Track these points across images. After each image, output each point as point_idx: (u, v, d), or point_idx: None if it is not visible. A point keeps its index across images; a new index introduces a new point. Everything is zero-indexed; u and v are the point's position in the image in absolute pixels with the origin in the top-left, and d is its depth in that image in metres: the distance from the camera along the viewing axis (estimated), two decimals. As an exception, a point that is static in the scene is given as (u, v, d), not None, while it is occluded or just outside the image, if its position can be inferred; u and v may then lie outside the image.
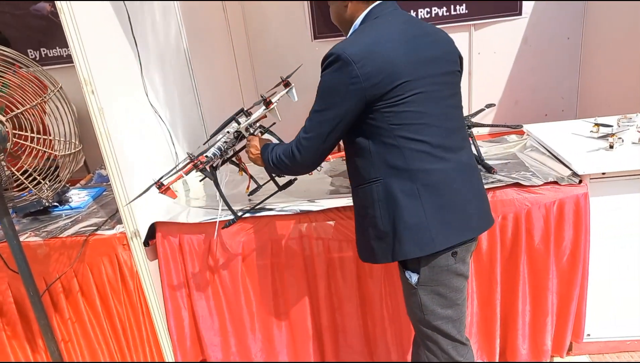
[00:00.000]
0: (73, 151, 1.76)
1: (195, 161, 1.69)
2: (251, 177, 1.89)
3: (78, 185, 2.72)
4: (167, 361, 2.07)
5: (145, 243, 1.95)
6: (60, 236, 1.99)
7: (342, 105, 1.27)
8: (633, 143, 1.93)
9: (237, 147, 1.81)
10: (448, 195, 1.32)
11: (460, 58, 1.45)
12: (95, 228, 2.01)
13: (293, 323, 2.04)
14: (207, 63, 3.21)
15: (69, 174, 1.81)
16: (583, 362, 2.02)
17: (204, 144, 1.95)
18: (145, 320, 2.02)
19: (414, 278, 1.38)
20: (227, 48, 3.88)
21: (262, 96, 1.74)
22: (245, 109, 1.80)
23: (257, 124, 1.79)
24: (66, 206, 2.24)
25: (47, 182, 1.80)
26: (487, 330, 1.99)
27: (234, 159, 1.86)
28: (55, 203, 2.23)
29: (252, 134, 1.76)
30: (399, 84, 1.25)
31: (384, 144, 1.31)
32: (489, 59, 3.92)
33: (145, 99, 2.13)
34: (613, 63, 3.62)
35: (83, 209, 2.24)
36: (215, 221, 1.91)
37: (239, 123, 1.74)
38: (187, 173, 1.70)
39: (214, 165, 1.75)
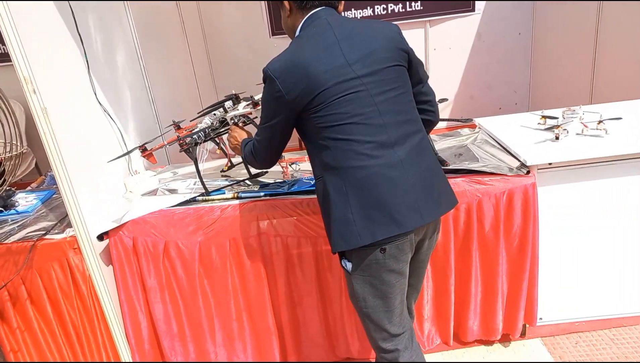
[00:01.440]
0: (15, 153, 1.68)
1: (181, 141, 1.95)
2: (227, 156, 2.10)
3: (29, 188, 2.61)
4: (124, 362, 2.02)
5: (99, 237, 1.90)
6: (6, 242, 1.90)
7: (275, 115, 1.40)
8: (577, 134, 2.02)
9: (221, 129, 2.02)
10: (374, 192, 1.34)
11: (405, 50, 1.45)
12: (43, 232, 1.93)
13: (254, 320, 2.03)
14: (161, 60, 3.14)
15: (12, 177, 1.73)
16: (536, 345, 2.10)
17: (190, 121, 2.08)
18: (100, 325, 1.96)
19: (348, 266, 1.45)
20: (182, 45, 3.81)
21: (251, 97, 1.94)
22: (235, 93, 1.98)
23: (241, 115, 1.97)
24: (12, 211, 2.14)
25: (-11, 186, 1.72)
26: (442, 313, 2.04)
27: (215, 138, 2.06)
28: (0, 208, 2.13)
29: (236, 123, 1.93)
30: (319, 93, 1.32)
31: (318, 145, 1.40)
32: (444, 54, 4.00)
33: (93, 97, 2.06)
34: (562, 58, 3.76)
35: (30, 213, 2.15)
36: (171, 208, 1.96)
37: (225, 111, 1.94)
38: (170, 143, 1.99)
39: (196, 142, 1.97)
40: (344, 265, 1.46)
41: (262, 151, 1.53)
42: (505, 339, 2.10)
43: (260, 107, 1.93)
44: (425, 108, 1.54)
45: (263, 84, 1.40)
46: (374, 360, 2.07)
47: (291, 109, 1.36)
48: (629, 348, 1.97)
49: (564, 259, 2.01)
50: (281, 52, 1.40)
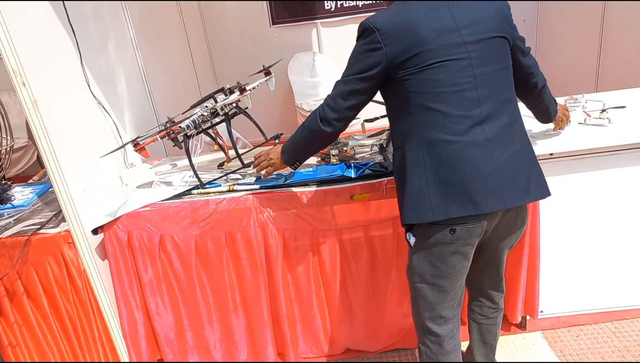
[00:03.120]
0: (5, 147, 1.66)
1: (168, 130, 1.88)
2: (223, 149, 2.11)
3: (30, 181, 2.60)
4: (121, 361, 2.02)
5: (94, 231, 1.88)
6: (1, 236, 1.89)
7: (365, 69, 1.32)
8: (579, 123, 1.97)
9: (214, 121, 2.02)
10: (454, 169, 1.29)
11: (512, 26, 1.38)
12: (38, 226, 1.92)
13: (250, 313, 2.02)
14: (158, 51, 3.11)
15: (3, 171, 1.71)
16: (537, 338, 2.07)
17: (182, 113, 2.04)
18: (96, 319, 1.96)
19: (412, 239, 1.43)
20: (181, 36, 3.77)
21: (238, 83, 1.94)
22: (226, 87, 1.95)
23: (233, 105, 1.96)
24: (8, 205, 2.14)
25: (-19, 180, 1.70)
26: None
27: (210, 132, 2.05)
28: (-4, 202, 2.12)
29: (227, 113, 1.96)
30: (420, 51, 1.26)
31: (403, 112, 1.35)
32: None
33: (86, 89, 2.03)
34: (567, 45, 3.68)
35: (26, 207, 2.14)
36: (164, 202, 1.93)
37: (216, 101, 1.92)
38: (161, 137, 1.90)
39: (188, 134, 1.92)
40: (407, 238, 1.44)
41: (332, 107, 1.42)
42: (506, 331, 2.07)
43: (247, 93, 1.94)
44: (529, 78, 1.50)
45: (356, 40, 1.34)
46: (372, 352, 2.06)
47: (385, 66, 1.29)
48: (631, 342, 1.94)
49: (565, 251, 1.97)
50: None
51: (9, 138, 1.67)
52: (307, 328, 2.03)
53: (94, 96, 2.08)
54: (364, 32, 1.31)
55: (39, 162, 4.10)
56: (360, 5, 4.08)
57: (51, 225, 1.93)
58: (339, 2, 4.08)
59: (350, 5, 4.09)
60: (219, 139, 2.15)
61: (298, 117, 3.97)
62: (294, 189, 1.87)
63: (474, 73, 1.30)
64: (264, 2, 4.08)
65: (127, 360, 2.00)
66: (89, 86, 2.05)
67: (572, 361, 1.89)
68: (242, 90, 1.90)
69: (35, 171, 3.15)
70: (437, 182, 1.30)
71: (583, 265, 2.00)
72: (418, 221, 1.35)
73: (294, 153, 1.62)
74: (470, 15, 1.31)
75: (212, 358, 2.08)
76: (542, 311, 2.06)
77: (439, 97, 1.28)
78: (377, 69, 1.31)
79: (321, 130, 1.46)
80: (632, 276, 2.01)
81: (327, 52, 4.24)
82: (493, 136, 1.31)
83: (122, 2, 2.58)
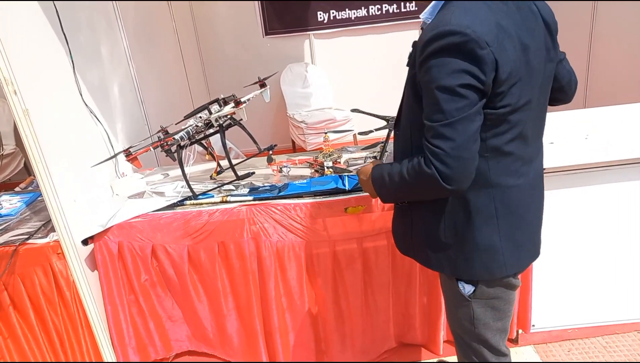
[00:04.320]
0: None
1: (162, 141, 1.88)
2: (215, 159, 2.14)
3: (17, 189, 2.56)
4: (109, 373, 1.98)
5: (84, 242, 1.85)
6: (-13, 246, 1.85)
7: (472, 95, 1.01)
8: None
9: (208, 132, 2.02)
10: (523, 214, 1.20)
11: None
12: (26, 236, 1.89)
13: (243, 320, 2.00)
14: (151, 61, 3.10)
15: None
16: (528, 354, 2.07)
17: (176, 124, 2.05)
18: (84, 332, 1.92)
19: (467, 289, 1.25)
20: (174, 46, 3.77)
21: (233, 96, 1.93)
22: (221, 98, 1.96)
23: (227, 116, 1.97)
24: (-5, 214, 2.10)
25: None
26: (432, 321, 2.01)
27: (203, 143, 2.07)
28: (-17, 211, 2.08)
29: (221, 125, 1.94)
30: (515, 83, 1.04)
31: None
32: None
33: (79, 98, 2.01)
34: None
35: (14, 216, 2.11)
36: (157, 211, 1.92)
37: (210, 112, 1.92)
38: (154, 148, 1.91)
39: (181, 145, 1.92)
40: (460, 287, 1.26)
41: (462, 138, 1.01)
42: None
43: (243, 105, 1.91)
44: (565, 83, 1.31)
45: (438, 51, 1.01)
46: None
47: (487, 92, 1.02)
48: (622, 357, 1.95)
49: (556, 266, 1.98)
50: (456, 10, 1.02)
51: (-2, 146, 1.65)
52: (299, 340, 2.01)
53: (86, 105, 2.06)
54: (463, 46, 0.98)
55: (26, 169, 4.04)
56: (353, 18, 4.11)
57: (40, 235, 1.90)
58: (331, 14, 4.12)
59: (343, 17, 4.13)
60: (211, 150, 2.15)
61: (290, 127, 3.97)
62: (288, 201, 1.87)
63: (540, 108, 1.17)
64: (258, 13, 4.10)
65: (116, 374, 1.97)
66: (81, 95, 2.03)
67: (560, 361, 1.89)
68: (238, 103, 1.89)
69: (22, 179, 3.11)
70: (509, 234, 1.18)
71: (574, 280, 2.01)
72: (491, 278, 1.21)
73: (390, 197, 1.30)
74: (549, 28, 1.14)
75: (212, 348, 2.07)
76: (534, 325, 2.06)
77: (511, 138, 1.10)
78: (480, 95, 1.03)
79: (461, 182, 1.06)
80: (622, 291, 2.03)
81: (319, 63, 4.26)
82: (540, 172, 1.26)
83: (116, 12, 2.57)
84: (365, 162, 2.11)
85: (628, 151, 1.81)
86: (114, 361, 1.97)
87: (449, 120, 1.00)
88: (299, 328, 1.99)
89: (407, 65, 1.13)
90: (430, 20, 1.09)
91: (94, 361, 1.96)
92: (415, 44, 1.09)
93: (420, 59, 1.03)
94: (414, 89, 1.10)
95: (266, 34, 4.18)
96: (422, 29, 1.15)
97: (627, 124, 1.98)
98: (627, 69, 3.25)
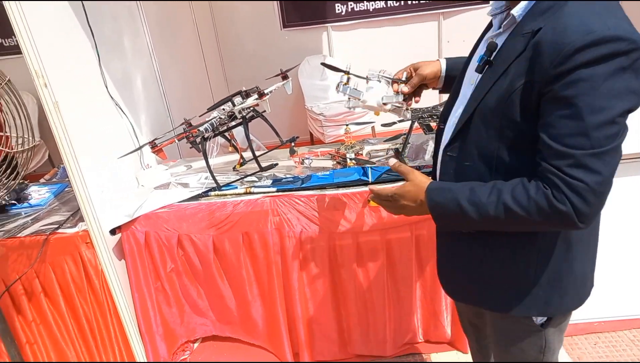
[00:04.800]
0: (28, 147, 1.67)
1: (187, 133, 1.90)
2: (238, 151, 2.13)
3: (42, 180, 2.62)
4: (137, 360, 2.02)
5: (112, 232, 1.90)
6: (19, 235, 1.90)
7: (628, 110, 0.86)
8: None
9: (230, 124, 2.02)
10: (596, 229, 1.10)
11: None
12: (56, 226, 1.93)
13: (267, 309, 2.04)
14: (172, 55, 3.13)
15: (24, 171, 1.73)
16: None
17: (200, 116, 2.05)
18: (112, 319, 1.96)
19: (540, 319, 1.11)
20: (193, 39, 3.80)
21: (257, 88, 1.92)
22: (243, 90, 1.96)
23: (251, 108, 1.96)
24: (25, 204, 2.15)
25: (3, 180, 1.71)
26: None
27: (226, 135, 2.07)
28: (14, 201, 2.13)
29: (244, 117, 1.93)
30: None
31: None
32: (458, 47, 3.93)
33: (104, 91, 2.05)
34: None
35: (44, 206, 2.16)
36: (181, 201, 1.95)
37: (234, 104, 1.92)
38: (179, 139, 1.93)
39: (205, 137, 1.93)
40: (533, 320, 1.11)
41: (609, 172, 0.87)
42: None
43: (267, 97, 1.91)
44: None
45: (598, 59, 0.81)
46: (386, 356, 2.06)
47: None
48: (649, 349, 1.93)
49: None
50: (595, 9, 0.85)
51: (30, 137, 1.69)
52: (322, 330, 2.03)
53: (112, 98, 2.10)
54: (628, 52, 0.81)
55: (50, 161, 4.12)
56: (371, 10, 4.09)
57: (69, 225, 1.94)
58: (349, 6, 4.10)
59: (361, 9, 4.10)
60: (234, 141, 2.17)
61: (308, 119, 3.98)
62: (311, 192, 1.88)
63: None
64: (275, 5, 4.10)
65: (144, 360, 2.01)
66: (106, 87, 2.07)
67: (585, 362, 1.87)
68: (261, 94, 1.90)
69: (45, 170, 3.17)
70: (593, 258, 1.10)
71: (601, 272, 1.98)
72: (581, 304, 1.11)
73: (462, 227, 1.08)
74: None
75: (236, 333, 2.12)
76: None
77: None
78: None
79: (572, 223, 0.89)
80: (648, 282, 2.00)
81: (337, 56, 4.25)
82: None
83: (139, 6, 2.60)
84: (387, 154, 2.10)
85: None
86: (141, 348, 2.01)
87: (597, 150, 0.83)
88: (322, 319, 2.01)
89: (500, 67, 0.94)
90: (521, 17, 0.94)
91: (123, 361, 2.01)
92: (537, 48, 0.87)
93: (562, 69, 0.83)
94: (526, 101, 0.90)
95: (284, 27, 4.18)
96: (492, 24, 1.03)
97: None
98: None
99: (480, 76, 1.01)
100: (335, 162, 2.12)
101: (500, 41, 0.98)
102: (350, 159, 2.05)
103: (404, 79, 1.43)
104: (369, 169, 1.93)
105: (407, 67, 1.45)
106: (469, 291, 1.16)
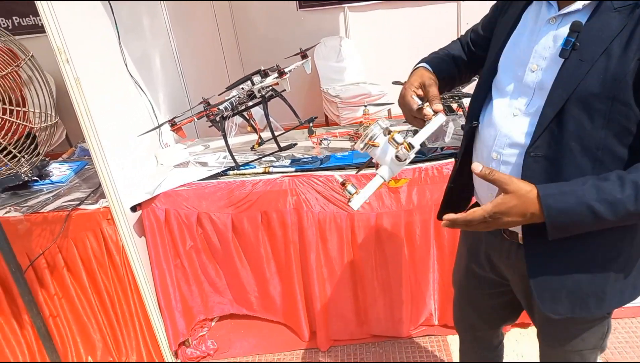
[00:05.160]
0: (50, 123, 1.69)
1: (208, 112, 1.89)
2: (256, 131, 2.11)
3: (60, 159, 2.65)
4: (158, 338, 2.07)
5: (133, 209, 1.92)
6: (42, 211, 1.93)
7: None
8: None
9: (249, 104, 2.02)
10: None
11: None
12: (77, 202, 1.96)
13: (285, 287, 2.06)
14: (189, 35, 3.12)
15: (46, 147, 1.75)
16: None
17: (219, 95, 2.06)
18: (133, 294, 2.00)
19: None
20: (210, 20, 3.78)
21: (277, 66, 1.91)
22: (262, 69, 1.94)
23: (270, 87, 1.96)
24: (47, 181, 2.18)
25: (25, 156, 1.74)
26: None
27: (244, 114, 2.06)
28: (36, 178, 2.16)
29: (264, 96, 1.93)
30: None
31: None
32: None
33: (124, 69, 2.06)
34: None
35: (64, 183, 2.18)
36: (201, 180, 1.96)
37: (253, 83, 1.91)
38: (199, 118, 1.92)
39: (224, 116, 1.93)
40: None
41: None
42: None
43: (286, 76, 1.90)
44: None
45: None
46: (402, 337, 2.07)
47: None
48: (667, 334, 1.92)
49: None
50: None
51: (52, 113, 1.70)
52: (338, 309, 2.05)
53: (131, 76, 2.10)
54: None
55: (67, 140, 4.16)
56: (389, -8, 4.02)
57: (90, 201, 1.97)
58: (366, -13, 4.03)
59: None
60: (252, 121, 2.17)
61: (323, 101, 3.96)
62: (330, 172, 1.88)
63: None
64: (292, -15, 4.05)
65: (164, 334, 2.05)
66: (126, 65, 2.07)
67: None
68: (281, 73, 1.90)
69: (63, 150, 3.21)
70: None
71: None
72: None
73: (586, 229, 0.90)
74: None
75: (253, 311, 2.16)
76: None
77: None
78: None
79: None
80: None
81: (354, 37, 4.20)
82: None
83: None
84: (407, 136, 2.08)
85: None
86: (161, 323, 2.05)
87: None
88: (339, 298, 2.03)
89: (595, 48, 0.85)
90: None
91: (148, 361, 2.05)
92: None
93: None
94: (628, 68, 0.83)
95: (300, 7, 4.13)
96: None
97: None
98: None
99: (562, 61, 0.89)
100: (353, 143, 2.12)
101: (582, 19, 0.87)
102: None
103: (420, 104, 1.09)
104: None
105: (410, 96, 1.12)
106: (565, 299, 1.01)
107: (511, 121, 0.98)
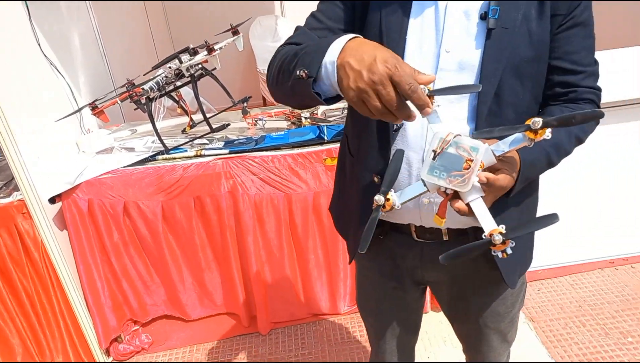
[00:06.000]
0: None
1: (131, 92, 1.76)
2: (187, 113, 1.99)
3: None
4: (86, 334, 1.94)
5: (52, 200, 1.78)
6: (-55, 207, 1.74)
7: None
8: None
9: (178, 83, 1.88)
10: None
11: None
12: (-13, 196, 1.78)
13: (222, 277, 2.00)
14: (113, 12, 2.91)
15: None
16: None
17: (144, 75, 1.92)
18: (56, 292, 1.86)
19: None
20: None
21: (206, 42, 1.80)
22: (191, 47, 1.82)
23: (199, 66, 1.85)
24: (-49, 174, 1.97)
25: None
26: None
27: (173, 95, 1.93)
28: (-63, 171, 1.95)
29: (192, 75, 1.80)
30: None
31: None
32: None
33: (37, 49, 1.88)
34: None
35: (-28, 176, 1.98)
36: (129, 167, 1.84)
37: (181, 62, 1.80)
38: (122, 100, 1.78)
39: (150, 97, 1.80)
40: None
41: None
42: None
43: (216, 52, 1.82)
44: None
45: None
46: (342, 314, 2.08)
47: None
48: (587, 292, 2.06)
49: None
50: None
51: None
52: (278, 292, 2.02)
53: (46, 57, 1.93)
54: None
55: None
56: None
57: (2, 195, 1.80)
58: (300, -35, 3.95)
59: (312, -32, 3.95)
60: (182, 103, 2.06)
61: (260, 83, 3.86)
62: (265, 153, 1.83)
63: None
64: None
65: (92, 331, 1.93)
66: (39, 45, 1.89)
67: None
68: (210, 49, 1.80)
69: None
70: None
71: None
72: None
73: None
74: None
75: (184, 312, 2.05)
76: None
77: None
78: None
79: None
80: (586, 232, 2.12)
81: (290, 17, 4.12)
82: None
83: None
84: (343, 113, 2.07)
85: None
86: (89, 320, 1.93)
87: (598, 63, 0.93)
88: (278, 280, 2.00)
89: (511, 15, 0.84)
90: None
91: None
92: None
93: None
94: (550, 39, 0.87)
95: (233, -15, 3.98)
96: None
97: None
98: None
99: (485, 33, 0.84)
100: (290, 122, 2.07)
101: None
102: (306, 118, 2.00)
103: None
104: (325, 128, 1.89)
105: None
106: (517, 266, 1.02)
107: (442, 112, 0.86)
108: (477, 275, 1.04)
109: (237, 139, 1.94)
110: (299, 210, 1.87)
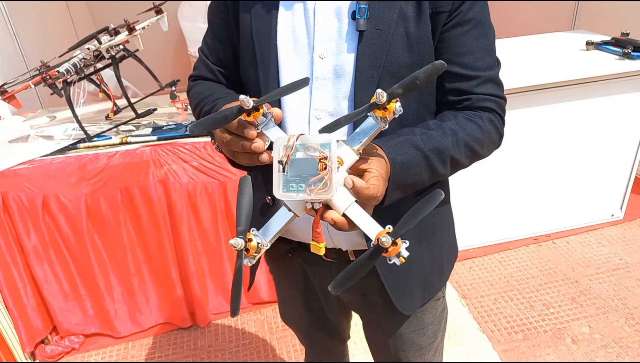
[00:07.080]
0: None
1: (45, 75, 1.63)
2: (110, 98, 1.88)
3: None
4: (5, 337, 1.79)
5: None
6: None
7: None
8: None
9: (98, 66, 1.78)
10: None
11: None
12: None
13: (156, 273, 1.90)
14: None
15: None
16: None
17: (59, 57, 1.78)
18: (-31, 296, 1.70)
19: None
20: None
21: (126, 22, 1.71)
22: (111, 27, 1.73)
23: (121, 46, 1.75)
24: None
25: None
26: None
27: (94, 78, 1.82)
28: None
29: (113, 57, 1.70)
30: None
31: None
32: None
33: None
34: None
35: None
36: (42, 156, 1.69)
37: (100, 42, 1.70)
38: (35, 84, 1.66)
39: (68, 81, 1.69)
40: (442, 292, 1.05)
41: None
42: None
43: (137, 32, 1.72)
44: None
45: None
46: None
47: None
48: (514, 268, 2.18)
49: (457, 192, 2.12)
50: None
51: None
52: (217, 284, 1.97)
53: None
54: None
55: None
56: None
57: None
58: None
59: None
60: (103, 87, 1.93)
61: (191, 66, 3.72)
62: (197, 139, 1.75)
63: None
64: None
65: (14, 334, 1.78)
66: None
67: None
68: (131, 29, 1.69)
69: None
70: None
71: (473, 203, 2.17)
72: (457, 254, 1.08)
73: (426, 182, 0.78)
74: None
75: (113, 328, 1.94)
76: (439, 248, 2.21)
77: None
78: None
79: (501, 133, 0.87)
80: (513, 211, 2.24)
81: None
82: None
83: None
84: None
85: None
86: (10, 324, 1.78)
87: (499, 66, 0.82)
88: (216, 270, 1.95)
89: (383, 18, 0.75)
90: None
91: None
92: None
93: None
94: (434, 40, 0.77)
95: (160, -38, 3.77)
96: None
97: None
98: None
99: (357, 36, 0.75)
100: (221, 108, 2.00)
101: None
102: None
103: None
104: (258, 113, 1.84)
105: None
106: (417, 290, 0.93)
107: (317, 127, 0.76)
108: (389, 299, 0.91)
109: (166, 126, 1.85)
110: (234, 198, 1.81)
